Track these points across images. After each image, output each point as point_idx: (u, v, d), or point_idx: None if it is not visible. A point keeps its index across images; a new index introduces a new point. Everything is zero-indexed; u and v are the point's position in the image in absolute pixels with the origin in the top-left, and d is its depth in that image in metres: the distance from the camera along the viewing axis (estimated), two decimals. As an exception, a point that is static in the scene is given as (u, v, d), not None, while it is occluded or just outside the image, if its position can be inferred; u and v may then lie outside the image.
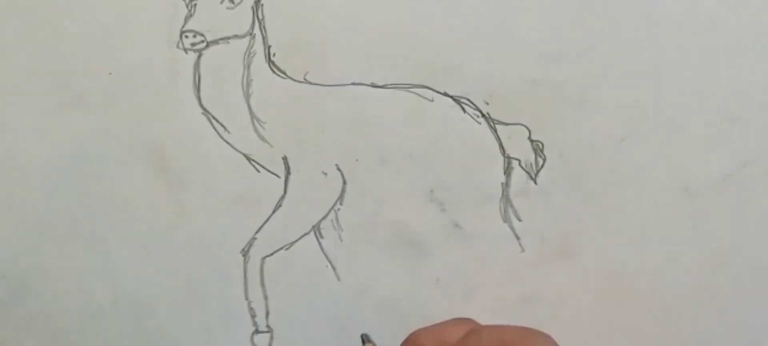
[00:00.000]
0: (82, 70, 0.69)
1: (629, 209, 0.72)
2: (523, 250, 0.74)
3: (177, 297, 0.75)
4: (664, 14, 0.68)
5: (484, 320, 0.73)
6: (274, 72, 0.69)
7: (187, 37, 0.67)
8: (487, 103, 0.70)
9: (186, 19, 0.67)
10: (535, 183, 0.72)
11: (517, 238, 0.74)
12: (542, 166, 0.71)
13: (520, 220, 0.73)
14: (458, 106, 0.70)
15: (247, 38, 0.68)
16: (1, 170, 0.72)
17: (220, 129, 0.70)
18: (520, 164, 0.71)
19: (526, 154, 0.71)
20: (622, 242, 0.74)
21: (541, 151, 0.71)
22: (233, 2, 0.67)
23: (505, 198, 0.73)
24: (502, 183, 0.72)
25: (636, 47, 0.68)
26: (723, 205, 0.73)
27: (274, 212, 0.73)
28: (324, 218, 0.73)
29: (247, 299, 0.75)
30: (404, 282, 0.75)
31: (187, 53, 0.68)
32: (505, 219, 0.73)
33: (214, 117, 0.70)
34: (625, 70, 0.69)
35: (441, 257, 0.74)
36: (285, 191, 0.72)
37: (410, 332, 0.72)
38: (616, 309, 0.75)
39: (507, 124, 0.70)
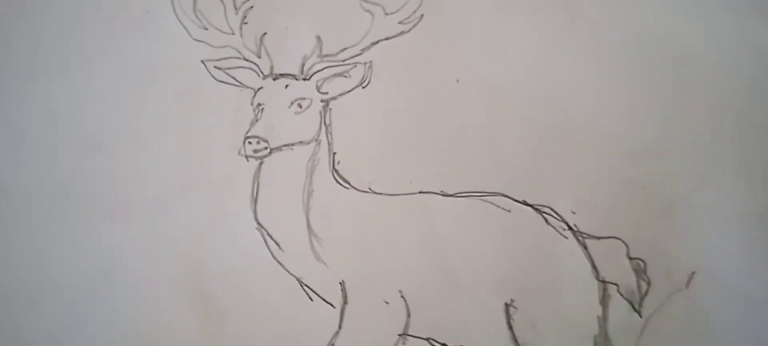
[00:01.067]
0: (128, 174, 0.67)
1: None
2: None
3: None
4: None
5: None
6: (337, 182, 0.65)
7: (250, 143, 0.64)
8: (574, 213, 0.63)
9: (251, 125, 0.65)
10: (640, 315, 0.60)
11: None
12: (647, 292, 0.60)
13: None
14: (540, 218, 0.63)
15: (313, 144, 0.65)
16: (29, 280, 0.66)
17: (274, 247, 0.65)
18: (618, 290, 0.61)
19: (626, 276, 0.61)
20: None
21: (644, 272, 0.60)
22: (301, 106, 0.65)
23: (603, 337, 0.61)
24: (598, 316, 0.61)
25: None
26: None
27: None
28: None
29: None
30: None
31: (248, 161, 0.65)
32: None
33: (268, 233, 0.65)
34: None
35: None
36: (340, 325, 0.63)
37: None
38: None
39: (599, 238, 0.62)
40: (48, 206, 0.67)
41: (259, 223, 0.66)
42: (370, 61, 0.67)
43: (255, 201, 0.66)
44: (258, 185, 0.66)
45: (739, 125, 0.64)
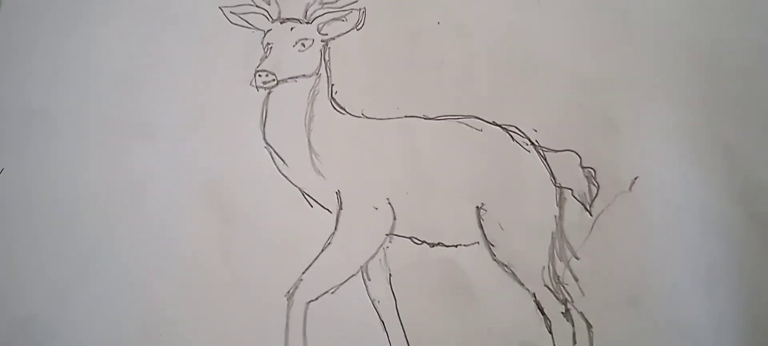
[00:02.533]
0: (153, 104, 0.77)
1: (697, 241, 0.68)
2: (583, 294, 0.69)
3: (213, 340, 0.70)
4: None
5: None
6: (334, 108, 0.75)
7: (260, 76, 0.75)
8: (536, 131, 0.73)
9: (261, 60, 0.76)
10: (591, 214, 0.70)
11: (576, 279, 0.69)
12: (597, 195, 0.70)
13: (577, 258, 0.70)
14: (507, 135, 0.73)
15: (314, 77, 0.76)
16: (70, 193, 0.75)
17: (280, 163, 0.74)
18: (572, 194, 0.71)
19: (579, 182, 0.71)
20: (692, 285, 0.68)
21: (594, 178, 0.71)
22: (304, 46, 0.76)
23: (560, 232, 0.70)
24: (555, 216, 0.71)
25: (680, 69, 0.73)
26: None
27: (322, 250, 0.72)
28: (373, 256, 0.72)
29: None
30: (455, 331, 0.69)
31: (258, 91, 0.76)
32: (561, 257, 0.70)
33: (275, 151, 0.75)
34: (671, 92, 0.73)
35: (493, 303, 0.70)
36: (336, 227, 0.72)
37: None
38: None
39: (557, 151, 0.72)
40: (86, 130, 0.77)
41: (267, 143, 0.75)
42: (364, 8, 0.78)
43: (264, 124, 0.76)
44: (266, 111, 0.76)
45: (673, 60, 0.75)
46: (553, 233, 0.71)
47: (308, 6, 0.78)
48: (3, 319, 0.71)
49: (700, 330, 0.67)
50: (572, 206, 0.71)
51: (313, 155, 0.74)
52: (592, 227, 0.71)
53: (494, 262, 0.71)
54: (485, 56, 0.76)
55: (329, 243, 0.72)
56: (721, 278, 0.69)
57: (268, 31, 0.77)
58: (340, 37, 0.78)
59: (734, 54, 0.75)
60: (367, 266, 0.72)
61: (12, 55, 0.81)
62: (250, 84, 0.77)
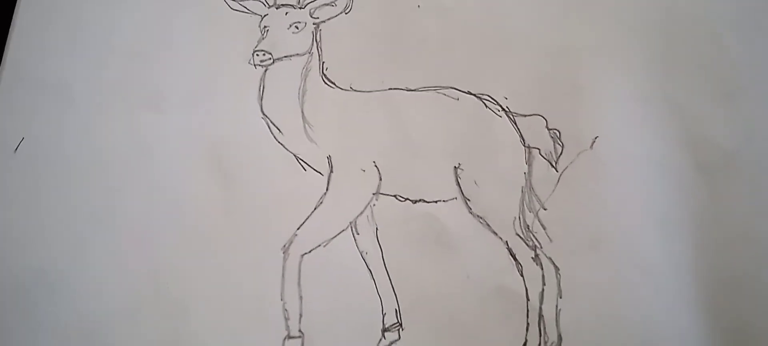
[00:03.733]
0: (163, 77, 0.83)
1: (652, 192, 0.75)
2: (550, 241, 0.76)
3: (213, 295, 0.76)
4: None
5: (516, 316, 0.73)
6: (325, 83, 0.82)
7: (257, 55, 0.81)
8: (507, 99, 0.80)
9: (258, 41, 0.83)
10: (557, 170, 0.77)
11: (544, 228, 0.76)
12: (561, 153, 0.77)
13: (545, 209, 0.76)
14: (481, 103, 0.80)
15: (306, 56, 0.83)
16: (83, 155, 0.80)
17: (276, 132, 0.81)
18: (540, 153, 0.78)
19: (545, 143, 0.78)
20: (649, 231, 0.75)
21: (559, 139, 0.77)
22: (298, 28, 0.83)
23: (529, 187, 0.77)
24: (524, 173, 0.77)
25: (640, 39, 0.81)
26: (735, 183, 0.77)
27: (315, 208, 0.78)
28: (361, 213, 0.78)
29: (282, 299, 0.76)
30: (436, 278, 0.76)
31: (256, 68, 0.82)
32: (531, 208, 0.76)
33: (271, 121, 0.81)
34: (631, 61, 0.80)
35: (470, 252, 0.76)
36: (327, 188, 0.79)
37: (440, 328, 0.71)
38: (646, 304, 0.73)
39: (525, 115, 0.79)
40: (100, 100, 0.82)
41: (264, 113, 0.82)
42: (352, -7, 0.87)
43: (261, 98, 0.82)
44: (264, 85, 0.83)
45: (630, 31, 0.83)
46: (522, 187, 0.78)
47: (301, -8, 0.87)
48: (25, 267, 0.76)
49: (658, 269, 0.74)
50: (540, 164, 0.78)
51: (306, 125, 0.81)
52: (558, 181, 0.78)
53: (470, 215, 0.77)
54: (461, 33, 0.84)
55: (321, 202, 0.79)
56: (675, 222, 0.75)
57: (265, 15, 0.83)
58: (330, 19, 0.84)
59: (685, 24, 0.83)
60: (355, 221, 0.78)
61: (32, 28, 0.86)
62: (249, 62, 0.83)
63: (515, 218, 0.76)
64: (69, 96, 0.83)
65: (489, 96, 0.81)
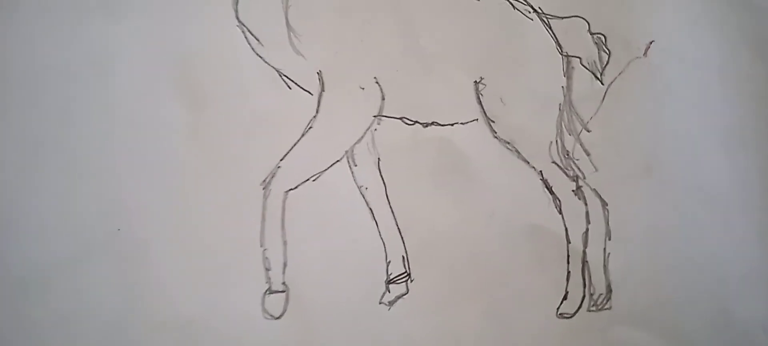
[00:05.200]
0: None
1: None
2: (596, 169, 0.64)
3: (179, 238, 0.65)
4: None
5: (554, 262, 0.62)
6: None
7: None
8: None
9: None
10: (602, 83, 0.64)
11: (587, 153, 0.65)
12: (608, 62, 0.65)
13: (588, 131, 0.65)
14: (507, 3, 0.67)
15: None
16: (28, 72, 0.67)
17: (254, 42, 0.68)
18: (581, 62, 0.66)
19: (588, 50, 0.66)
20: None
21: (604, 44, 0.65)
22: None
23: (568, 104, 0.65)
24: (562, 87, 0.66)
25: None
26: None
27: (303, 135, 0.66)
28: (359, 140, 0.66)
29: (262, 245, 0.64)
30: (452, 217, 0.64)
31: None
32: (571, 130, 0.65)
33: (248, 29, 0.68)
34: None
35: (494, 184, 0.65)
36: (317, 110, 0.66)
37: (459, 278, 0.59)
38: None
39: (562, 17, 0.66)
40: (44, 5, 0.68)
41: (240, 20, 0.69)
42: None
43: (236, 2, 0.69)
44: None
45: None
46: (560, 105, 0.66)
47: None
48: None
49: (722, 195, 0.65)
50: (581, 76, 0.66)
51: (291, 33, 0.68)
52: (604, 96, 0.66)
53: (495, 139, 0.67)
54: None
55: (310, 127, 0.67)
56: (741, 138, 0.66)
57: None
58: None
59: None
60: (352, 150, 0.67)
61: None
62: None
63: (551, 142, 0.65)
64: (10, 2, 0.69)
65: None
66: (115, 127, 0.68)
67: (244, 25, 0.69)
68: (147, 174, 0.67)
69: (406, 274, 0.65)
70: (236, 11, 0.69)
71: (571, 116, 0.65)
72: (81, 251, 0.65)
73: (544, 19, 0.67)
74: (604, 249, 0.64)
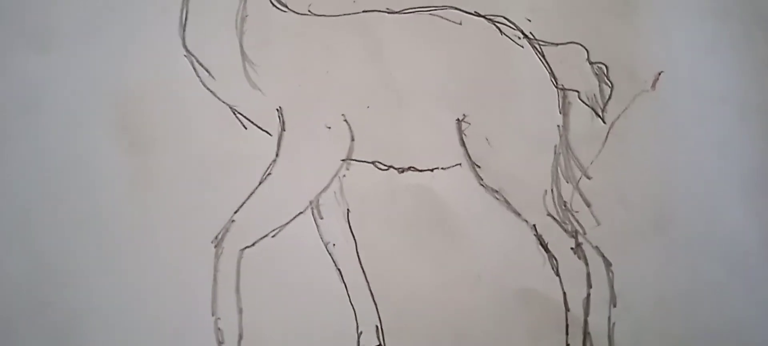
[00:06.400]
0: (50, 4, 0.62)
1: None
2: (598, 223, 0.57)
3: (116, 305, 0.58)
4: None
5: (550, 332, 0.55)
6: (273, 5, 0.62)
7: None
8: (529, 20, 0.60)
9: None
10: (604, 121, 0.58)
11: (588, 205, 0.58)
12: (610, 96, 0.58)
13: (589, 178, 0.58)
14: (493, 28, 0.60)
15: None
16: None
17: (204, 75, 0.61)
18: (579, 97, 0.59)
19: (587, 82, 0.58)
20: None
21: (606, 75, 0.59)
22: None
23: (565, 146, 0.58)
24: (558, 126, 0.59)
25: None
26: None
27: (260, 182, 0.59)
28: (325, 188, 0.59)
29: (213, 314, 0.58)
30: (433, 279, 0.57)
31: None
32: (568, 177, 0.58)
33: (198, 60, 0.61)
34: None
35: (481, 240, 0.58)
36: (277, 153, 0.60)
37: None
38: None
39: (557, 44, 0.59)
40: None
41: (188, 50, 0.62)
42: None
43: (184, 27, 0.63)
44: (187, 10, 0.64)
45: None
46: (556, 147, 0.59)
47: None
48: None
49: (745, 252, 0.58)
50: (580, 112, 0.59)
51: (247, 64, 0.62)
52: (607, 136, 0.59)
53: (481, 187, 0.60)
54: None
55: (269, 174, 0.60)
56: (765, 182, 0.58)
57: None
58: None
59: None
60: (318, 200, 0.60)
61: None
62: None
63: (546, 191, 0.58)
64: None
65: (504, 17, 0.60)
66: (42, 176, 0.61)
67: (192, 55, 0.62)
68: (80, 232, 0.60)
69: None
70: (183, 39, 0.63)
71: (569, 160, 0.58)
72: (1, 328, 0.58)
73: (537, 46, 0.60)
74: (609, 318, 0.57)
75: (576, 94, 0.60)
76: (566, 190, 0.58)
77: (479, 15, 0.62)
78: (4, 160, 0.61)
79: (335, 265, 0.59)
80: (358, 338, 0.59)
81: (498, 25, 0.61)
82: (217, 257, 0.60)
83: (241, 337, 0.58)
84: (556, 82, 0.60)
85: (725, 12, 0.61)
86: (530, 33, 0.61)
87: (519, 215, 0.58)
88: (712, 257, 0.58)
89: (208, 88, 0.63)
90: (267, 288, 0.59)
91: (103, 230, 0.61)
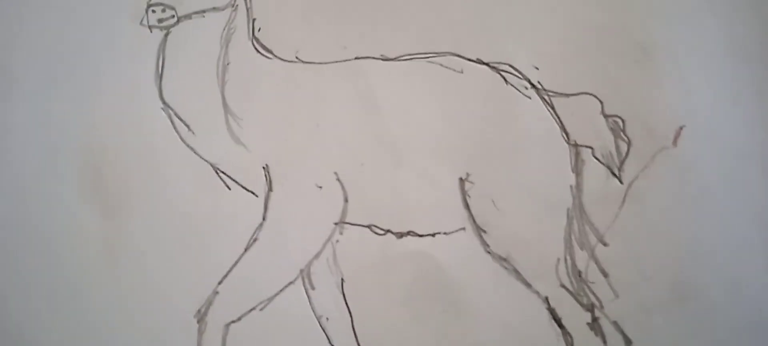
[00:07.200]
0: (10, 48, 0.58)
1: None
2: (616, 296, 0.52)
3: None
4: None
5: None
6: (258, 51, 0.57)
7: (154, 11, 0.57)
8: (537, 69, 0.56)
9: None
10: (621, 181, 0.53)
11: (605, 275, 0.53)
12: (627, 154, 0.54)
13: (605, 245, 0.53)
14: (498, 77, 0.55)
15: (228, 10, 0.58)
16: None
17: (183, 130, 0.57)
18: (593, 154, 0.54)
19: (601, 137, 0.54)
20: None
21: (623, 130, 0.54)
22: None
23: (579, 209, 0.53)
24: (571, 186, 0.54)
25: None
26: None
27: (246, 249, 0.55)
28: (317, 255, 0.55)
29: None
30: None
31: (151, 32, 0.57)
32: (583, 244, 0.53)
33: (176, 113, 0.57)
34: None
35: (487, 314, 0.53)
36: (264, 216, 0.56)
37: None
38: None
39: (568, 95, 0.55)
40: None
41: (164, 102, 0.58)
42: None
43: (160, 77, 0.59)
44: (163, 59, 0.58)
45: None
46: (569, 210, 0.55)
47: None
48: None
49: None
50: (594, 171, 0.55)
51: (230, 117, 0.57)
52: (624, 198, 0.54)
53: (487, 254, 0.55)
54: None
55: (255, 239, 0.56)
56: None
57: (163, -54, 0.62)
58: (262, -49, 0.62)
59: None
60: (309, 269, 0.56)
61: None
62: (142, 22, 0.57)
63: (559, 259, 0.54)
64: None
65: (509, 66, 0.56)
66: (3, 242, 0.56)
67: (169, 108, 0.58)
68: (49, 305, 0.56)
69: None
70: (160, 89, 0.59)
71: (583, 225, 0.54)
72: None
73: (546, 97, 0.55)
74: (630, 404, 0.54)
75: (590, 150, 0.55)
76: (581, 258, 0.54)
77: (482, 62, 0.57)
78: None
79: (329, 341, 0.55)
80: None
81: (503, 73, 0.57)
82: (200, 333, 0.55)
83: None
84: (568, 138, 0.55)
85: (749, 55, 0.56)
86: (538, 82, 0.56)
87: (529, 285, 0.54)
88: (743, 333, 0.52)
89: (187, 144, 0.57)
90: (253, 367, 0.57)
91: (74, 303, 0.56)
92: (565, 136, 0.55)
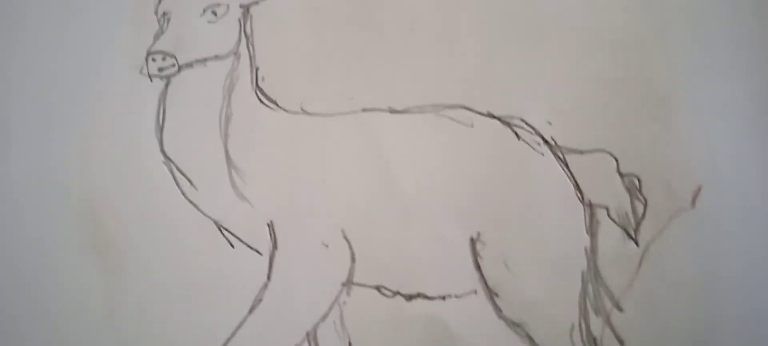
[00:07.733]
0: (5, 96, 0.57)
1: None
2: None
3: None
4: None
5: None
6: (262, 102, 0.56)
7: (154, 60, 0.55)
8: (550, 124, 0.54)
9: (155, 38, 0.56)
10: (637, 243, 0.51)
11: (621, 342, 0.52)
12: (644, 214, 0.52)
13: (621, 310, 0.51)
14: (509, 131, 0.54)
15: (230, 59, 0.56)
16: None
17: (185, 185, 0.55)
18: (609, 214, 0.52)
19: (616, 196, 0.52)
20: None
21: (639, 190, 0.52)
22: (216, 14, 0.56)
23: (594, 272, 0.52)
24: (585, 248, 0.52)
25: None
26: None
27: (251, 310, 0.53)
28: (324, 317, 0.54)
29: None
30: None
31: (152, 81, 0.56)
32: (598, 309, 0.51)
33: (177, 167, 0.56)
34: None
35: None
36: (269, 276, 0.54)
37: None
38: None
39: (582, 152, 0.52)
40: None
41: (166, 156, 0.57)
42: (301, -45, 0.60)
43: (161, 129, 0.57)
44: (164, 109, 0.57)
45: (742, 8, 0.55)
46: (583, 273, 0.53)
47: (220, -45, 0.60)
48: None
49: None
50: (610, 232, 0.53)
51: (233, 171, 0.56)
52: (641, 261, 0.52)
53: (500, 319, 0.53)
54: (472, 14, 0.57)
55: (260, 300, 0.54)
56: None
57: (165, -5, 0.60)
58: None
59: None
60: (315, 332, 0.54)
61: None
62: (141, 71, 0.56)
63: (573, 324, 0.51)
64: None
65: (521, 119, 0.54)
66: (10, 292, 0.55)
67: (171, 161, 0.56)
68: None
69: None
70: (161, 142, 0.58)
71: (598, 289, 0.52)
72: None
73: (559, 153, 0.54)
74: None
75: (605, 210, 0.53)
76: (595, 324, 0.52)
77: (493, 116, 0.55)
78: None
79: (335, 404, 0.55)
80: None
81: (514, 128, 0.55)
82: (202, 400, 0.55)
83: None
84: (582, 197, 0.53)
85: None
86: (551, 138, 0.55)
87: (543, 352, 0.54)
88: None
89: (189, 200, 0.56)
90: None
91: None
92: (579, 195, 0.54)
